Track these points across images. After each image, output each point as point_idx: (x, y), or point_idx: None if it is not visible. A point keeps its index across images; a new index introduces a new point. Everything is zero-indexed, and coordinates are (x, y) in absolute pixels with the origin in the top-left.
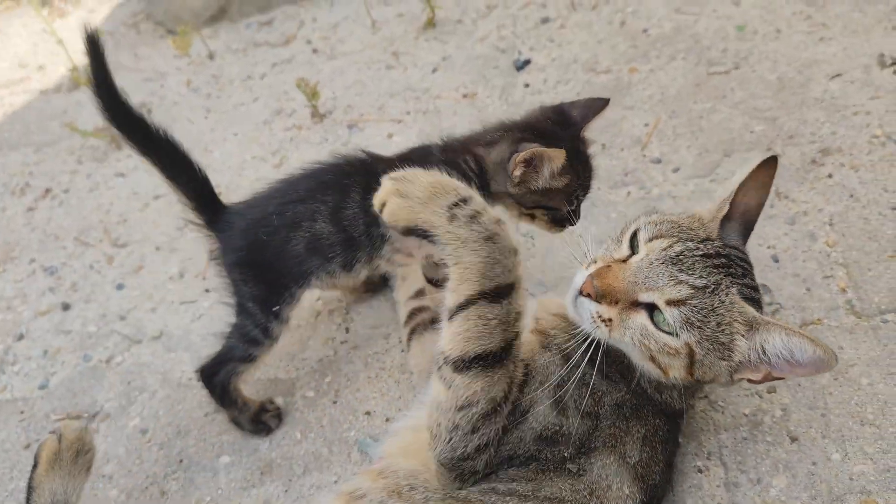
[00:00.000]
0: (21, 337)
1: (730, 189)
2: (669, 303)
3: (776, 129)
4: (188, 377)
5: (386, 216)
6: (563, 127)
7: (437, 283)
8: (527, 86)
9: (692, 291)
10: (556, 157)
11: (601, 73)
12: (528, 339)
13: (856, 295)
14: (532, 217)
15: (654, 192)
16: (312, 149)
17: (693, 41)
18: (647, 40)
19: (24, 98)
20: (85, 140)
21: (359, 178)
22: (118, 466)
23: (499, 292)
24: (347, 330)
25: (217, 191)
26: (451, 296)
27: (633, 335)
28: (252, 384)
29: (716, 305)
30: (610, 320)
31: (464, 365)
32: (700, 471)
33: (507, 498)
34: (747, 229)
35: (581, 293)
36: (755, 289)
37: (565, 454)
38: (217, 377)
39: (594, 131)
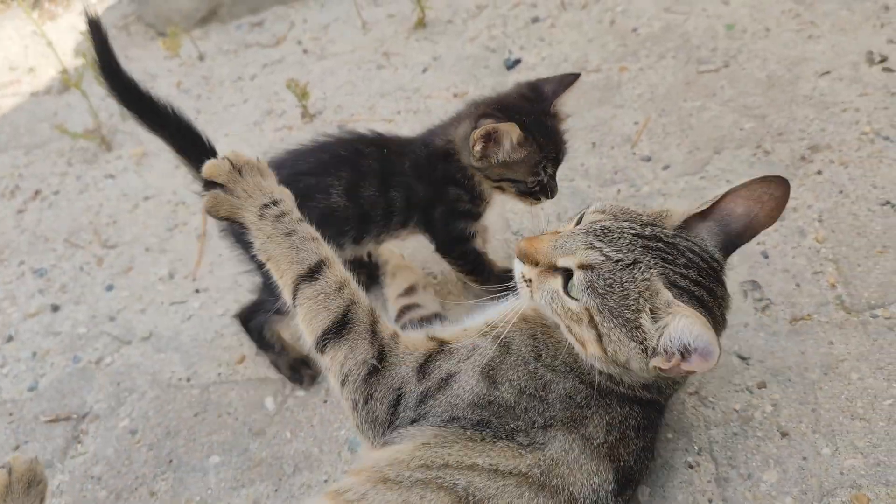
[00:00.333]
0: (10, 339)
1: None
2: (580, 267)
3: (766, 126)
4: (178, 378)
5: (208, 203)
6: (531, 102)
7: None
8: None
9: (603, 259)
10: (510, 131)
11: (591, 72)
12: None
13: (845, 290)
14: (501, 189)
15: (644, 190)
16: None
17: (683, 40)
18: (636, 39)
19: (14, 101)
20: (75, 142)
21: (375, 160)
22: (107, 467)
23: (313, 271)
24: None
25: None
26: (283, 293)
27: (545, 297)
28: (243, 383)
29: (626, 280)
30: (531, 281)
31: (322, 343)
32: (691, 466)
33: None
34: (728, 236)
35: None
36: (699, 283)
37: (512, 426)
38: (252, 323)
39: (585, 129)
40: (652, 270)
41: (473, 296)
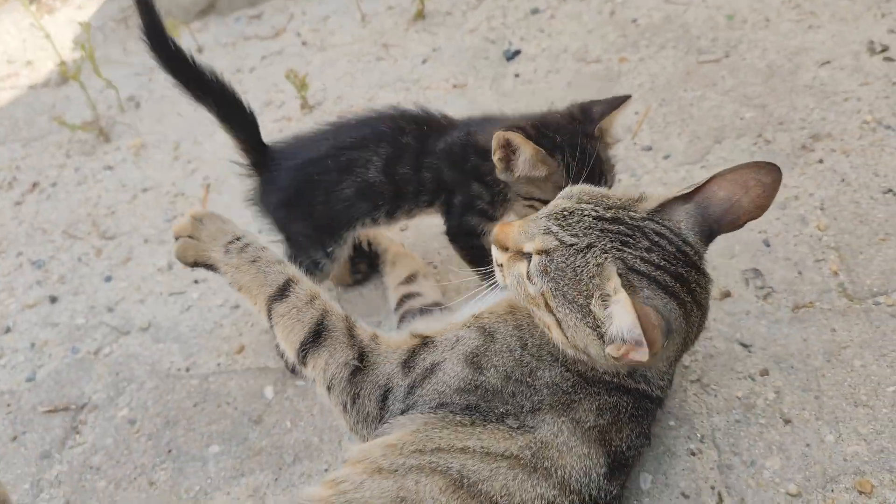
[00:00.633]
0: (8, 330)
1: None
2: (538, 252)
3: (766, 115)
4: (177, 368)
5: (178, 251)
6: (575, 122)
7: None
8: (517, 76)
9: (557, 244)
10: (522, 145)
11: (591, 63)
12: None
13: (848, 278)
14: (533, 208)
15: (645, 180)
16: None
17: (682, 31)
18: (636, 30)
19: (13, 93)
20: (73, 134)
21: (414, 137)
22: (106, 457)
23: (282, 290)
24: None
25: (210, 182)
26: (261, 318)
27: (511, 281)
28: (242, 373)
29: (579, 265)
30: (502, 265)
31: (302, 353)
32: (693, 453)
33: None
34: (706, 220)
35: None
36: (662, 267)
37: (501, 410)
38: None
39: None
40: (606, 255)
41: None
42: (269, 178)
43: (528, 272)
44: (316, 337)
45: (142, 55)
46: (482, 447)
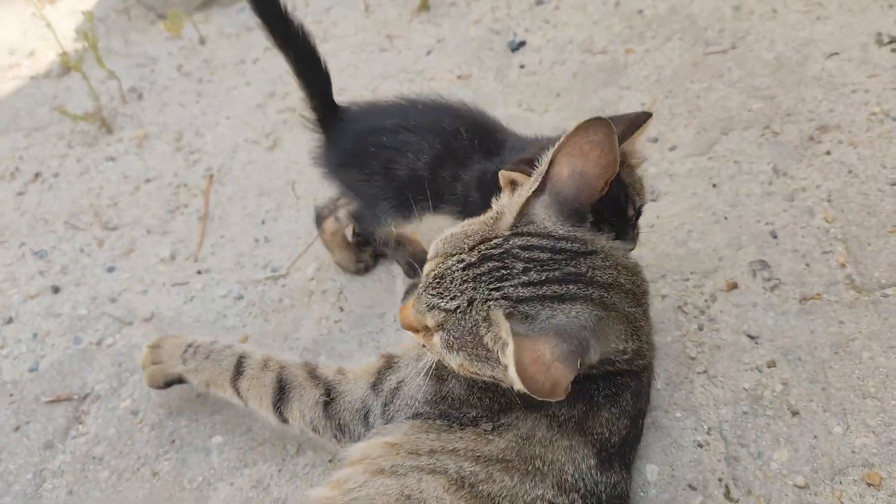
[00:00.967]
0: (10, 320)
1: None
2: (436, 328)
3: (774, 107)
4: None
5: (148, 380)
6: None
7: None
8: (522, 67)
9: (444, 315)
10: (519, 180)
11: (597, 54)
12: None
13: (855, 270)
14: None
15: (651, 171)
16: (307, 131)
17: (689, 21)
18: (642, 21)
19: (15, 84)
20: (75, 124)
21: (464, 146)
22: (109, 448)
23: (238, 368)
24: (341, 309)
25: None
26: (234, 401)
27: (439, 358)
28: None
29: (471, 325)
30: (424, 346)
31: (278, 412)
32: (700, 445)
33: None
34: (565, 205)
35: None
36: (546, 282)
37: (473, 414)
38: (361, 235)
39: (591, 111)
40: (488, 303)
41: None
42: (333, 138)
43: (440, 349)
44: (282, 393)
45: (144, 46)
46: (468, 448)
